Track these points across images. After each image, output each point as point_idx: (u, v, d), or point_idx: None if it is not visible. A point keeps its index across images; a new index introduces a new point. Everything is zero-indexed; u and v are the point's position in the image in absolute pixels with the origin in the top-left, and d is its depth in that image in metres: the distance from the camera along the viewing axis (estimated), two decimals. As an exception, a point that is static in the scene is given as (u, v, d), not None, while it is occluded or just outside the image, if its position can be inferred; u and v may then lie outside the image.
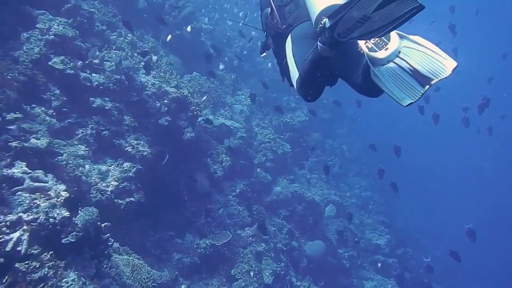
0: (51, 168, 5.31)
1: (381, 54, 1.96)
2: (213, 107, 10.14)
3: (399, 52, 1.94)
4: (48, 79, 6.65)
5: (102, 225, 4.68)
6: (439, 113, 10.71)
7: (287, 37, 2.62)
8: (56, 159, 5.47)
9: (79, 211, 4.34)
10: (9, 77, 5.97)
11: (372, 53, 1.98)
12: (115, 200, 6.23)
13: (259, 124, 11.62)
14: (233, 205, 9.53)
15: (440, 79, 1.85)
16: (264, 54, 3.34)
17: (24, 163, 4.64)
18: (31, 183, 4.46)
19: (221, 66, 10.95)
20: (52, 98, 6.55)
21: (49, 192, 4.46)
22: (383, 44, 1.97)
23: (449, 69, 1.83)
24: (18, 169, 4.51)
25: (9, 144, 4.79)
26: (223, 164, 9.52)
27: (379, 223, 14.24)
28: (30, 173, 4.57)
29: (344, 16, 1.74)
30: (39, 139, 5.22)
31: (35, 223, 4.04)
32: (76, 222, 4.24)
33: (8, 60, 6.52)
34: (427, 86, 1.86)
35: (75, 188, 5.71)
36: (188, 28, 9.49)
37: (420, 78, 1.88)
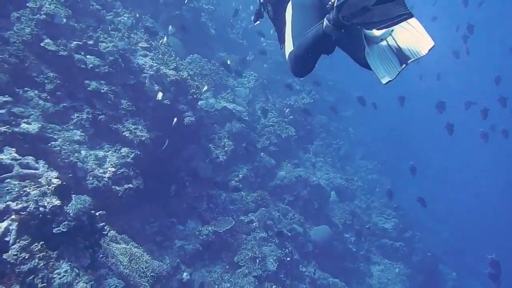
0: (44, 154, 5.08)
1: (376, 32, 2.06)
2: (215, 90, 9.83)
3: (392, 31, 2.03)
4: (40, 61, 6.36)
5: (97, 213, 4.46)
6: (445, 101, 10.52)
7: (288, 2, 2.51)
8: (49, 144, 5.23)
9: (72, 200, 4.11)
10: (-1, 59, 5.70)
11: (368, 31, 2.08)
12: (113, 186, 6.01)
13: (262, 107, 11.30)
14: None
15: (416, 59, 1.97)
16: (258, 22, 3.20)
17: (13, 149, 4.40)
18: (21, 170, 4.23)
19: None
20: (46, 81, 6.28)
21: (39, 180, 4.24)
22: None
23: (426, 49, 1.94)
24: (7, 156, 4.28)
25: (-2, 129, 4.54)
26: (226, 148, 9.27)
27: (389, 207, 14.01)
28: (19, 159, 4.34)
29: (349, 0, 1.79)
30: (30, 123, 4.98)
31: (24, 212, 3.82)
32: (68, 211, 4.02)
33: (-3, 41, 6.24)
34: (404, 65, 1.97)
35: (70, 175, 5.50)
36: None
37: (401, 56, 1.99)
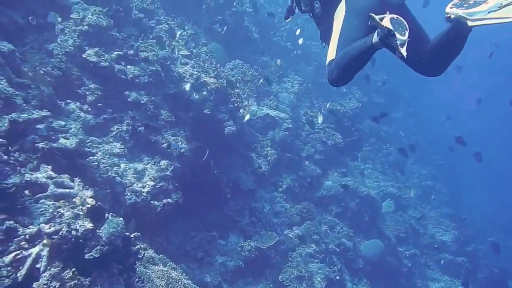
0: (82, 170, 4.94)
1: (482, 7, 1.96)
2: (257, 97, 9.45)
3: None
4: (82, 72, 6.32)
5: (132, 235, 4.20)
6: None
7: (340, 2, 2.41)
8: (87, 159, 5.08)
9: (105, 223, 3.87)
10: (42, 72, 5.67)
11: (469, 10, 2.00)
12: (152, 202, 5.80)
13: (306, 113, 10.76)
14: (280, 202, 8.88)
15: None
16: (289, 19, 3.13)
17: (49, 166, 4.26)
18: (55, 189, 4.06)
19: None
20: (87, 92, 6.22)
21: (74, 199, 4.05)
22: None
23: None
24: (43, 174, 4.14)
25: (36, 145, 4.43)
26: (268, 158, 8.85)
27: (447, 217, 12.92)
28: (55, 178, 4.19)
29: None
30: (68, 139, 4.84)
31: (56, 236, 3.62)
32: (100, 235, 3.78)
33: (42, 53, 6.26)
34: None
35: (108, 190, 5.33)
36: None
37: None
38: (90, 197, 4.14)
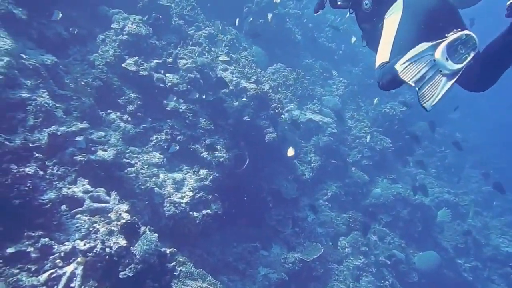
0: (119, 182, 4.87)
1: None
2: (299, 101, 9.09)
3: None
4: (123, 82, 6.34)
5: (168, 251, 4.03)
6: None
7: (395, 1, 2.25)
8: (125, 171, 5.02)
9: (139, 240, 3.73)
10: (83, 83, 5.72)
11: None
12: (191, 213, 5.64)
13: (353, 117, 10.22)
14: (325, 211, 8.45)
15: None
16: (319, 12, 3.01)
17: (86, 180, 4.21)
18: (91, 204, 4.00)
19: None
20: (127, 102, 6.22)
21: (109, 214, 3.96)
22: None
23: None
24: (79, 188, 4.09)
25: (74, 158, 4.40)
26: (312, 164, 8.46)
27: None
28: (91, 192, 4.13)
29: None
30: (106, 150, 4.80)
31: (91, 254, 3.52)
32: (134, 252, 3.64)
33: (84, 64, 6.35)
34: None
35: (147, 202, 5.24)
36: (269, 17, 8.56)
37: None
38: (126, 212, 4.03)
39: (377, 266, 8.13)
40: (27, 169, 3.46)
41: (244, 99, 6.84)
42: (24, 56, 4.89)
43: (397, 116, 10.51)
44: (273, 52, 10.57)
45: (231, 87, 6.83)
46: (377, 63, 2.22)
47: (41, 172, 3.57)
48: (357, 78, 12.20)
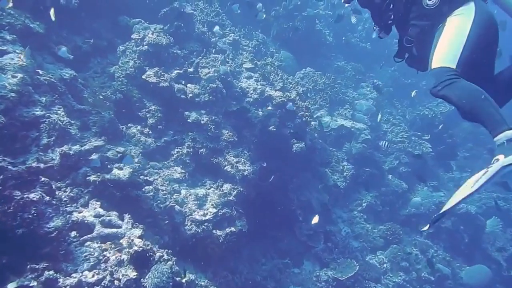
0: (136, 202, 4.63)
1: None
2: (330, 107, 8.58)
3: None
4: (143, 94, 6.14)
5: (183, 280, 3.72)
6: None
7: (468, 3, 2.11)
8: (143, 189, 4.77)
9: (150, 271, 3.43)
10: (101, 97, 5.56)
11: None
12: (214, 231, 5.32)
13: (388, 120, 9.57)
14: (360, 223, 7.90)
15: None
16: (349, 4, 2.80)
17: (98, 203, 3.98)
18: (102, 229, 3.76)
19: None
20: (148, 115, 6.01)
21: (121, 241, 3.70)
22: None
23: None
24: (91, 212, 3.87)
25: (88, 178, 4.19)
26: (345, 173, 7.93)
27: None
28: (102, 216, 3.89)
29: None
30: (121, 169, 4.56)
31: (99, 286, 3.26)
32: (145, 285, 3.34)
33: (105, 76, 6.22)
34: None
35: (167, 221, 4.96)
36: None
37: None
38: (139, 237, 3.76)
39: (419, 283, 7.49)
40: (31, 195, 3.25)
41: (269, 107, 6.45)
42: (40, 72, 4.77)
43: (437, 119, 9.73)
44: (303, 56, 10.10)
45: (255, 96, 6.47)
46: (438, 64, 2.06)
47: (47, 198, 3.36)
48: (393, 79, 11.48)
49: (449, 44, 2.05)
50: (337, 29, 11.95)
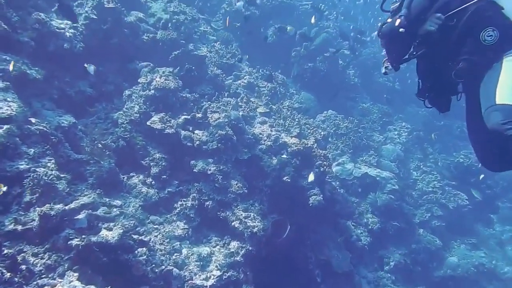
0: (125, 267, 4.08)
1: None
2: (353, 152, 7.91)
3: None
4: (147, 141, 5.76)
5: None
6: None
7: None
8: (135, 252, 4.23)
9: None
10: (100, 145, 5.19)
11: None
12: (216, 300, 4.67)
13: (419, 167, 8.76)
14: (388, 286, 6.99)
15: None
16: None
17: (76, 274, 3.44)
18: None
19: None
20: (151, 163, 5.58)
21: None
22: None
23: None
24: (65, 287, 3.32)
25: (70, 242, 3.71)
26: (369, 227, 7.14)
27: None
28: (79, 290, 3.33)
29: None
30: (111, 229, 4.07)
31: None
32: None
33: (108, 122, 5.90)
34: None
35: (161, 289, 4.37)
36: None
37: None
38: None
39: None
40: (-11, 272, 2.77)
41: (284, 156, 5.90)
42: (33, 120, 4.46)
43: (474, 167, 8.83)
44: (325, 97, 9.58)
45: (269, 143, 5.95)
46: (504, 101, 1.96)
47: (8, 275, 2.86)
48: (423, 121, 10.73)
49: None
50: (364, 69, 11.47)
